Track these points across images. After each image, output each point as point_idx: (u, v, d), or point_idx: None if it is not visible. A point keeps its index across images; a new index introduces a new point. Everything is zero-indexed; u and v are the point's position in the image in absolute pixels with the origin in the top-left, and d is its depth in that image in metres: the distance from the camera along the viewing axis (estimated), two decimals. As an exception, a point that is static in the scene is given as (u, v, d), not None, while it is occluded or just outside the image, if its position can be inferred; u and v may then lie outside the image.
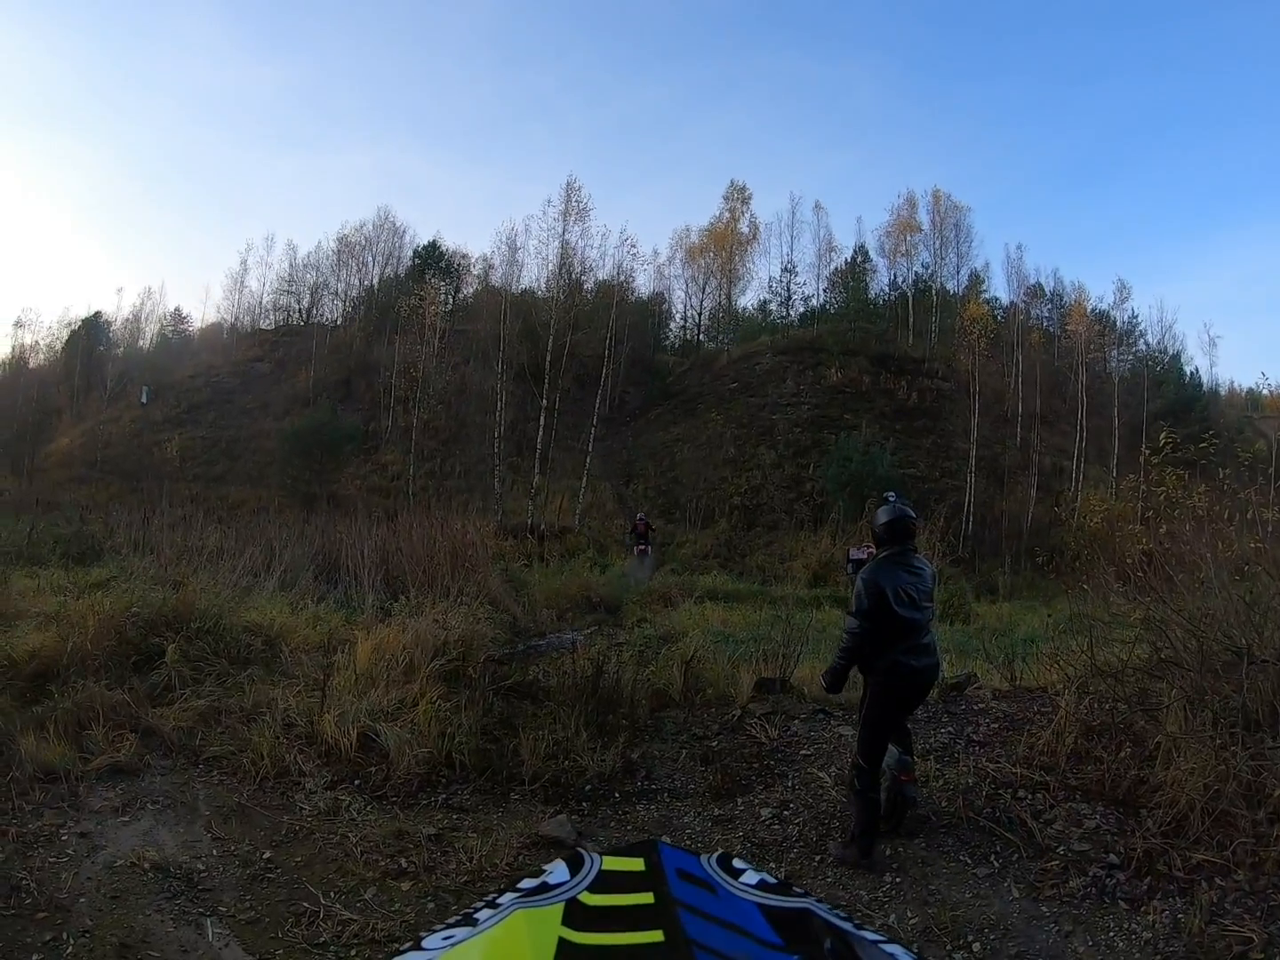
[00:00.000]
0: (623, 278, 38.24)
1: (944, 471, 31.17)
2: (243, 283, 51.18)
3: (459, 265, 48.86)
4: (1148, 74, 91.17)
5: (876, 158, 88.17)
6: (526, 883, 0.97)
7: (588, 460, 29.42)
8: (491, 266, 43.43)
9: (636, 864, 0.97)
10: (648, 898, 0.88)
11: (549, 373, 28.39)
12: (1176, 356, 45.34)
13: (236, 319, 51.09)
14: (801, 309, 47.18)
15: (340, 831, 4.77)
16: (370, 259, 48.79)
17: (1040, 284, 45.97)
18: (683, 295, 50.44)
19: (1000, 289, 49.01)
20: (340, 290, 49.02)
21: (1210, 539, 6.68)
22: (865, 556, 5.01)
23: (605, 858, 0.98)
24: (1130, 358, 42.88)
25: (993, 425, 32.40)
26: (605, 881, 0.93)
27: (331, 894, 4.09)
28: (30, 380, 43.86)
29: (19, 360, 47.50)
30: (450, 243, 50.64)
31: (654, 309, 48.63)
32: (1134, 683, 5.72)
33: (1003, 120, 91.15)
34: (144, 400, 41.89)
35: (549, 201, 31.18)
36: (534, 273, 37.24)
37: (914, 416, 34.04)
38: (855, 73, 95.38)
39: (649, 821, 5.24)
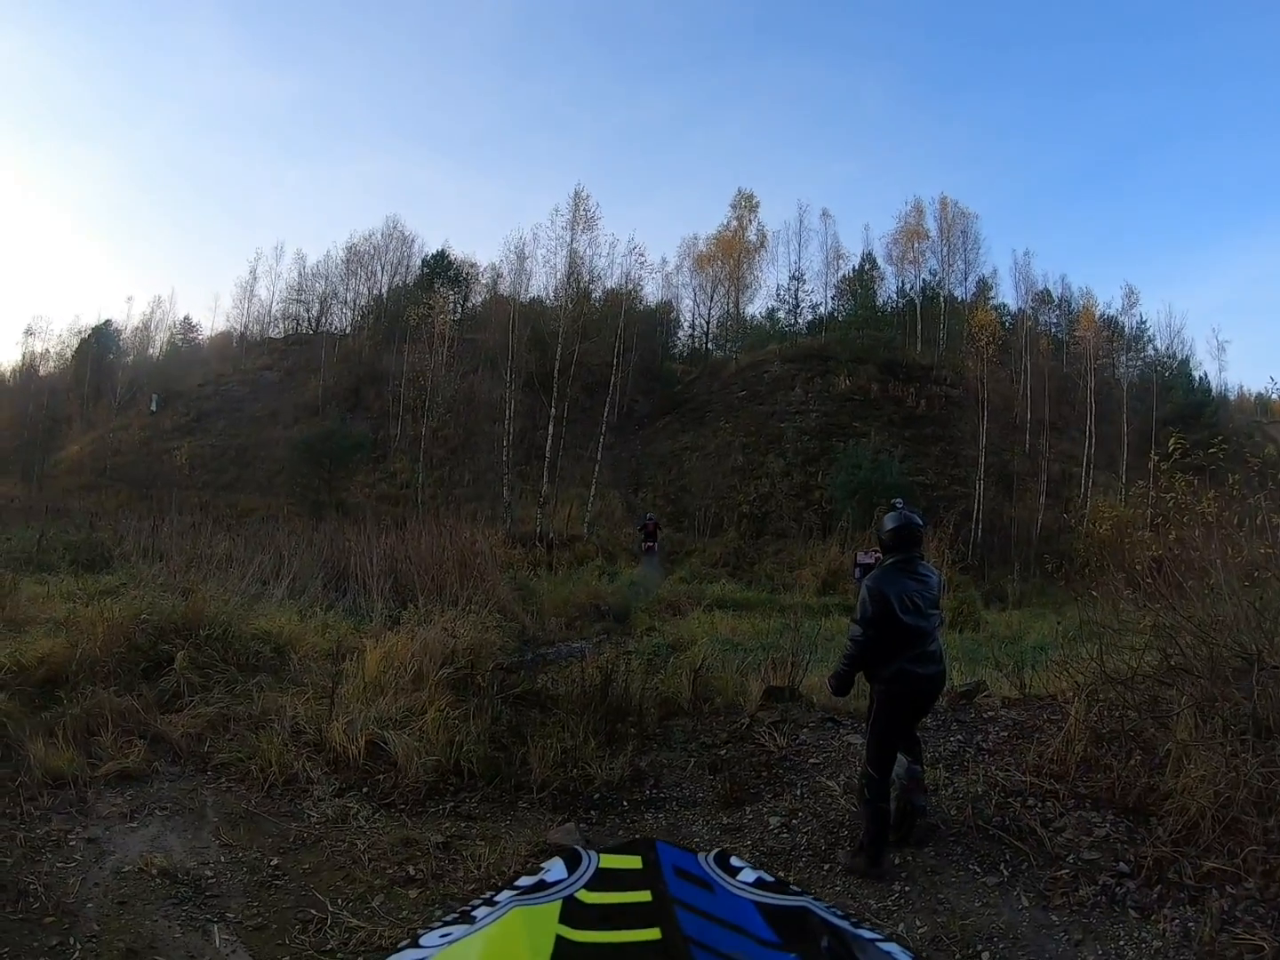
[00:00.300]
0: (631, 286, 38.28)
1: (953, 479, 31.07)
2: (252, 292, 51.53)
3: (467, 274, 49.09)
4: (1154, 79, 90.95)
5: (884, 166, 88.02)
6: (524, 880, 0.97)
7: (596, 469, 29.42)
8: (500, 275, 43.51)
9: (634, 862, 0.97)
10: (645, 895, 0.88)
11: (557, 381, 28.38)
12: (1185, 361, 45.22)
13: (246, 328, 51.41)
14: (809, 317, 47.25)
15: (348, 839, 4.77)
16: (379, 268, 49.10)
17: (1048, 290, 45.97)
18: (691, 304, 50.54)
19: (1008, 296, 48.87)
20: (349, 299, 49.33)
21: (1220, 545, 6.66)
22: (873, 561, 5.00)
23: (603, 855, 0.98)
24: (1139, 363, 42.77)
25: (1001, 432, 32.28)
26: (603, 879, 0.93)
27: (339, 901, 4.09)
28: (40, 388, 44.14)
29: (29, 368, 47.83)
30: (458, 252, 50.88)
31: (662, 317, 48.67)
32: (1144, 690, 5.69)
33: (1010, 126, 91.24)
34: (153, 408, 42.15)
35: (556, 210, 31.12)
36: (542, 282, 37.54)
37: (922, 424, 33.95)
38: (862, 81, 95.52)
39: (657, 830, 5.23)
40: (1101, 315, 40.22)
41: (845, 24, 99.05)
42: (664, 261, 56.51)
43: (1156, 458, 11.96)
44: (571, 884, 0.92)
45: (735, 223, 47.87)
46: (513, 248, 39.27)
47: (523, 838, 4.94)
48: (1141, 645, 6.27)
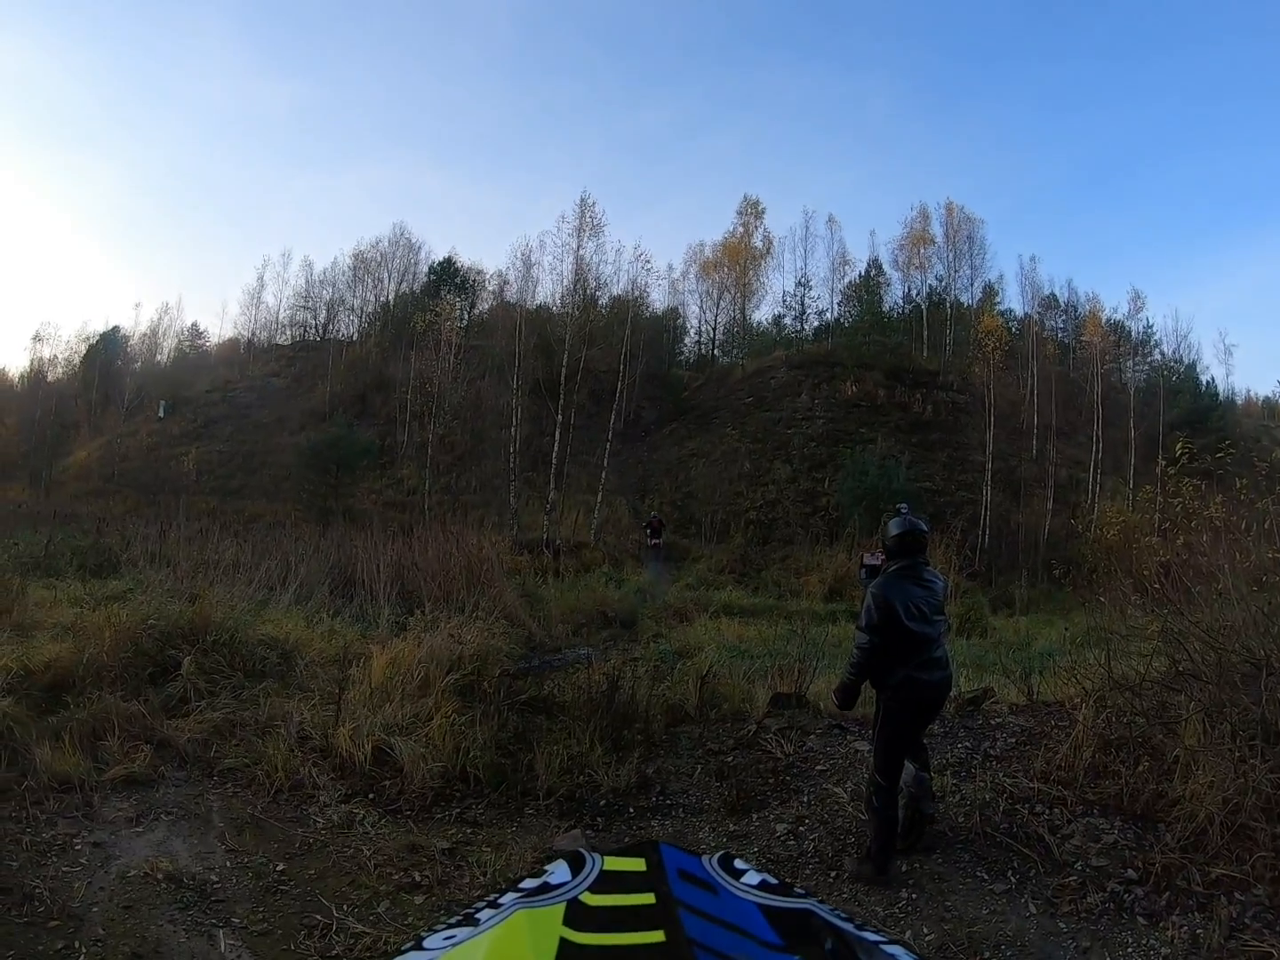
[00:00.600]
0: (637, 293, 38.42)
1: (960, 484, 31.08)
2: (259, 298, 51.89)
3: (474, 281, 49.31)
4: (1160, 85, 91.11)
5: (889, 172, 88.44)
6: (528, 883, 0.96)
7: (603, 475, 29.46)
8: (506, 282, 43.78)
9: (638, 864, 0.96)
10: (649, 898, 0.88)
11: (564, 388, 28.45)
12: (1192, 366, 45.21)
13: (253, 334, 51.73)
14: (815, 323, 47.35)
15: (354, 845, 4.77)
16: (386, 275, 49.38)
17: (1054, 295, 46.09)
18: (697, 310, 50.75)
19: (1014, 301, 49.14)
20: (356, 306, 49.60)
21: (1228, 550, 6.63)
22: (879, 562, 4.98)
23: (606, 858, 0.98)
24: (1146, 368, 42.75)
25: (1008, 438, 32.27)
26: (607, 881, 0.92)
27: (344, 907, 4.09)
28: (49, 393, 44.41)
29: (38, 374, 48.10)
30: (465, 259, 51.23)
31: (668, 324, 48.80)
32: (1152, 696, 5.66)
33: (1015, 131, 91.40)
34: (161, 414, 42.37)
35: (563, 217, 31.37)
36: (549, 288, 37.56)
37: (929, 430, 33.97)
38: (867, 88, 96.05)
39: (664, 837, 5.21)
40: (1108, 320, 40.33)
41: (849, 30, 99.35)
42: (670, 268, 56.84)
43: (1164, 462, 11.98)
44: (575, 886, 0.91)
45: (741, 229, 48.06)
46: (519, 255, 39.74)
47: (529, 844, 4.94)
48: (1149, 651, 6.25)
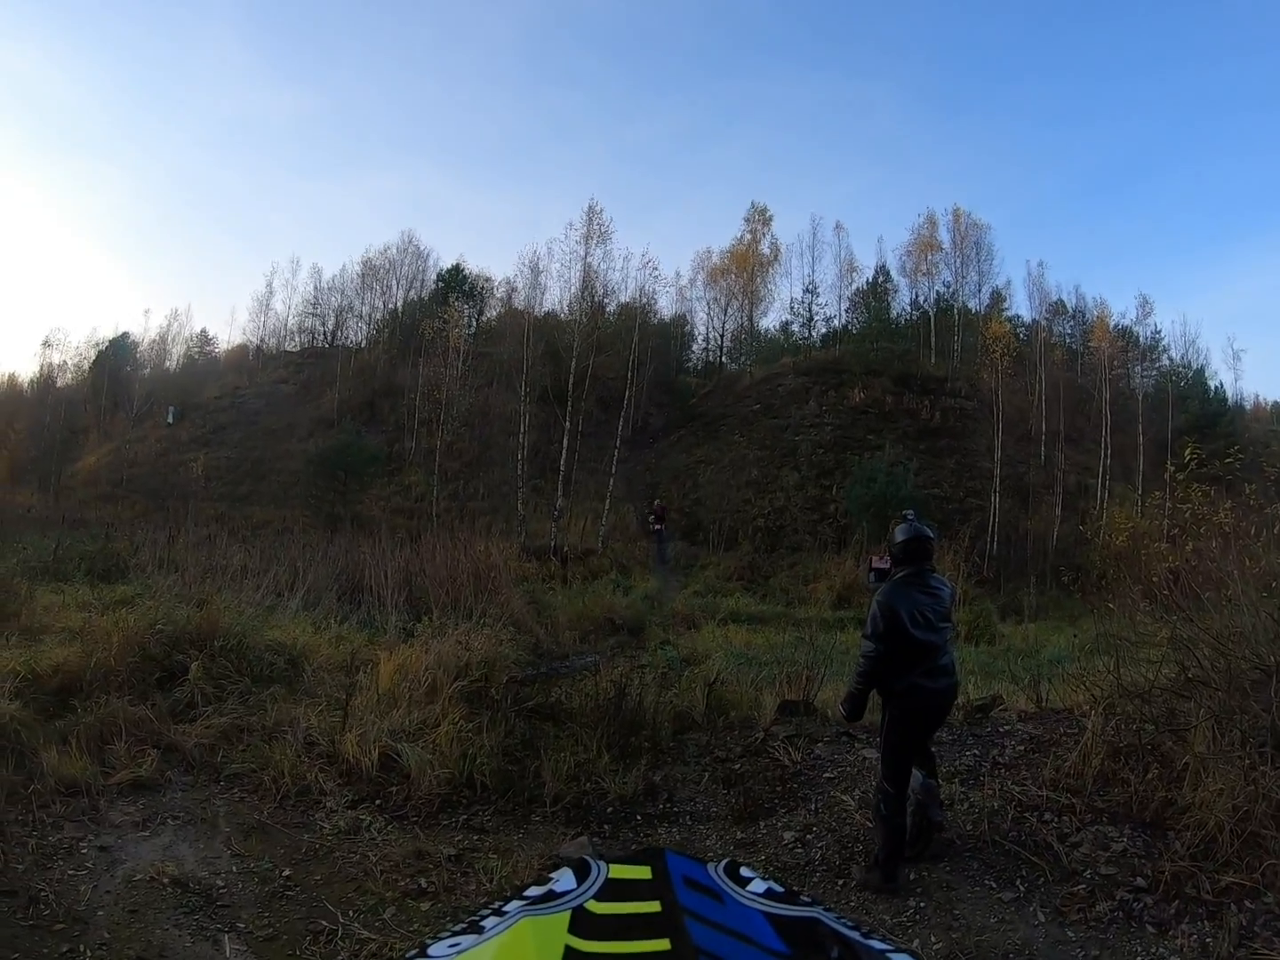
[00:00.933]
0: (645, 300, 38.52)
1: (968, 491, 30.99)
2: (268, 305, 52.05)
3: (482, 288, 49.29)
4: (1162, 86, 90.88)
5: (896, 178, 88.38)
6: (533, 890, 0.96)
7: (611, 482, 29.46)
8: (514, 289, 43.76)
9: (643, 872, 0.96)
10: (654, 906, 0.88)
11: (572, 395, 28.45)
12: (1201, 371, 44.92)
13: (262, 341, 51.87)
14: (823, 330, 47.16)
15: (360, 851, 4.77)
16: (394, 282, 49.48)
17: (1062, 301, 45.86)
18: (705, 317, 50.61)
19: (1022, 307, 48.76)
20: (364, 313, 49.69)
21: (1237, 556, 6.59)
22: (888, 566, 4.95)
23: (612, 866, 0.98)
24: (1154, 373, 42.61)
25: (1017, 444, 32.20)
26: (612, 889, 0.92)
27: (350, 913, 4.09)
28: (58, 399, 44.61)
29: (47, 379, 48.36)
30: (473, 266, 51.19)
31: (676, 331, 48.77)
32: (1161, 703, 5.63)
33: (1023, 141, 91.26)
34: (170, 420, 42.49)
35: (570, 225, 31.24)
36: (556, 295, 37.67)
37: (937, 436, 33.89)
38: (874, 98, 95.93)
39: (670, 844, 5.19)
40: (1116, 325, 40.18)
41: (855, 48, 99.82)
42: (678, 275, 56.81)
43: (1173, 468, 11.90)
44: (580, 894, 0.91)
45: (749, 236, 47.93)
46: (527, 262, 39.48)
47: (535, 851, 4.93)
48: (1158, 658, 6.21)
